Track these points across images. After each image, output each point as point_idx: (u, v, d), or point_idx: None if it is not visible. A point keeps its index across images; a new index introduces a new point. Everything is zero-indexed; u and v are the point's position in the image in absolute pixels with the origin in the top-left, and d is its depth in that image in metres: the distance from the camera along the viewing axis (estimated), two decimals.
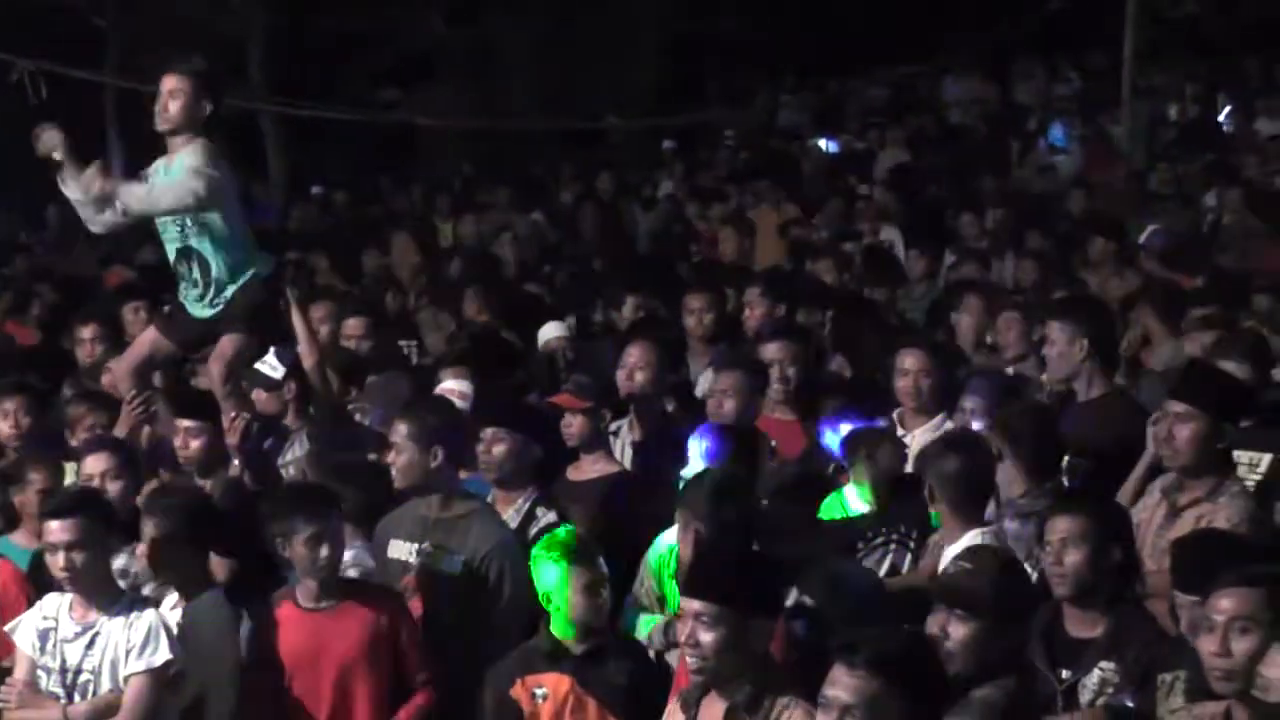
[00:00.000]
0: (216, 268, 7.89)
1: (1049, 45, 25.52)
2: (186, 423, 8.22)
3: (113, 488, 7.68)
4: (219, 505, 7.65)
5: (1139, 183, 18.41)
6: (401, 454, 7.32)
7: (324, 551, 6.75)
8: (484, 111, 24.88)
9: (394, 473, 7.42)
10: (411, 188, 23.28)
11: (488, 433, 7.71)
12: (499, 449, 7.69)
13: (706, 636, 5.47)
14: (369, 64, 25.26)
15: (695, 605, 5.53)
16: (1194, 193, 17.49)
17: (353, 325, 10.77)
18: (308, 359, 8.86)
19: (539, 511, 7.65)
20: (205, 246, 7.87)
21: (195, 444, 8.20)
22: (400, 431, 7.34)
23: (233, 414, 7.98)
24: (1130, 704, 5.72)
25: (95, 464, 7.82)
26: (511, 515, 7.60)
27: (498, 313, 11.70)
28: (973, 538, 6.68)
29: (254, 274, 7.94)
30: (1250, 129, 21.20)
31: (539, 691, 6.46)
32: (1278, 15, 24.33)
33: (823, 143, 24.17)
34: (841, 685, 4.78)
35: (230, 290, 7.89)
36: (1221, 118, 22.49)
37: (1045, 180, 20.40)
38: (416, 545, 7.25)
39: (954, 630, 5.65)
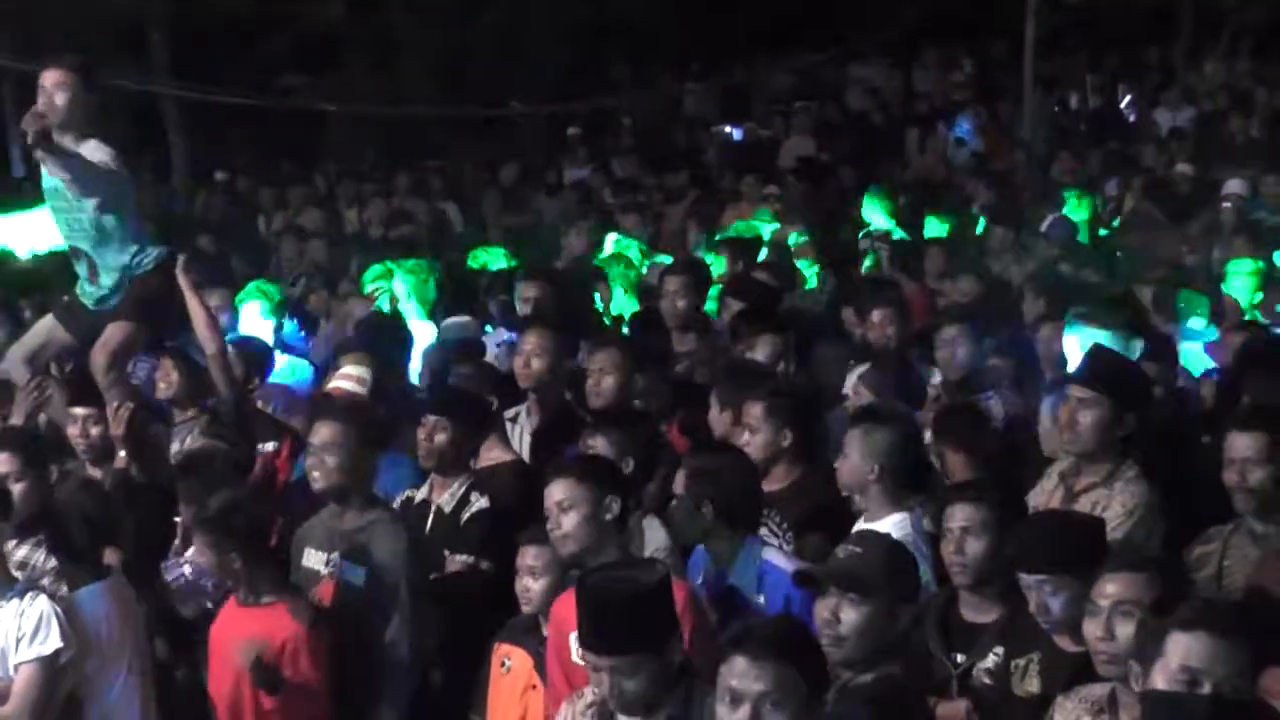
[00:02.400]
0: (103, 269, 7.85)
1: (950, 34, 25.64)
2: (82, 410, 8.12)
3: (17, 489, 7.39)
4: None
5: (1040, 171, 18.54)
6: (332, 457, 7.13)
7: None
8: (387, 98, 24.73)
9: (316, 476, 7.21)
10: (315, 174, 23.14)
11: (430, 420, 7.67)
12: (441, 437, 7.66)
13: (630, 684, 5.07)
14: (271, 49, 25.05)
15: (608, 661, 5.09)
16: (1095, 181, 17.63)
17: None
18: (208, 346, 8.68)
19: (472, 497, 7.62)
20: (92, 248, 7.84)
21: (94, 431, 8.11)
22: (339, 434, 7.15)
23: (116, 403, 7.91)
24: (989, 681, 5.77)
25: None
26: (447, 499, 7.61)
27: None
28: (898, 522, 6.66)
29: (146, 262, 7.89)
30: (1150, 119, 21.40)
31: (506, 662, 6.49)
32: (1176, 6, 24.62)
33: (728, 129, 24.23)
34: (750, 676, 4.69)
35: (120, 283, 7.86)
36: (1122, 106, 22.70)
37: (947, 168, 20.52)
38: (326, 555, 7.19)
39: (845, 615, 5.60)
